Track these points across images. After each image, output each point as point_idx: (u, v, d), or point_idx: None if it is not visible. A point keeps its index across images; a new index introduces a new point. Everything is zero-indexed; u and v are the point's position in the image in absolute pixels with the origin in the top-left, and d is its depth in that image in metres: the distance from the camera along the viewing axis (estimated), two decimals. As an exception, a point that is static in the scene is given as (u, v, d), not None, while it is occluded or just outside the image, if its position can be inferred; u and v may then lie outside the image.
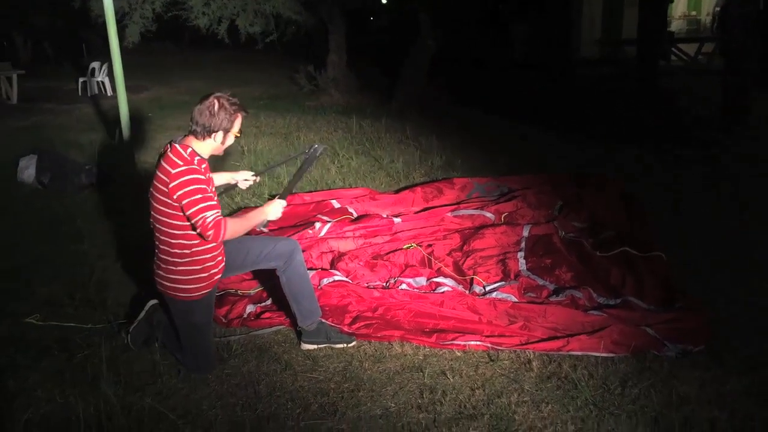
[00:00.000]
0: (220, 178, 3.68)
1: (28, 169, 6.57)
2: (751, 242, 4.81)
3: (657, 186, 6.26)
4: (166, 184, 3.01)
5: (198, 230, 3.03)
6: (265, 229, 3.32)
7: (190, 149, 3.09)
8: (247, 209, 5.53)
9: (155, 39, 13.57)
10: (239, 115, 3.16)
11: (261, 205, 3.48)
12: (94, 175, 6.65)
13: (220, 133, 3.12)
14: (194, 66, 17.90)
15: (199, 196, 2.99)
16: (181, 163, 3.02)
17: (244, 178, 3.76)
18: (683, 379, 3.13)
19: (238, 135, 3.22)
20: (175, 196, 3.00)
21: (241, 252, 3.42)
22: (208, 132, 3.09)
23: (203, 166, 3.14)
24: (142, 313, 3.57)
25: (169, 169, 3.02)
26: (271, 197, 5.95)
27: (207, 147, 3.15)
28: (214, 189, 3.23)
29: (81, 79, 13.37)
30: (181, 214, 3.04)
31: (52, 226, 5.47)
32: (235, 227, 3.13)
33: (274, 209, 3.35)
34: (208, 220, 2.99)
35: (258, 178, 3.83)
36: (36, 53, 19.52)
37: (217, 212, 3.04)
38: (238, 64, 17.28)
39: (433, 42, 11.56)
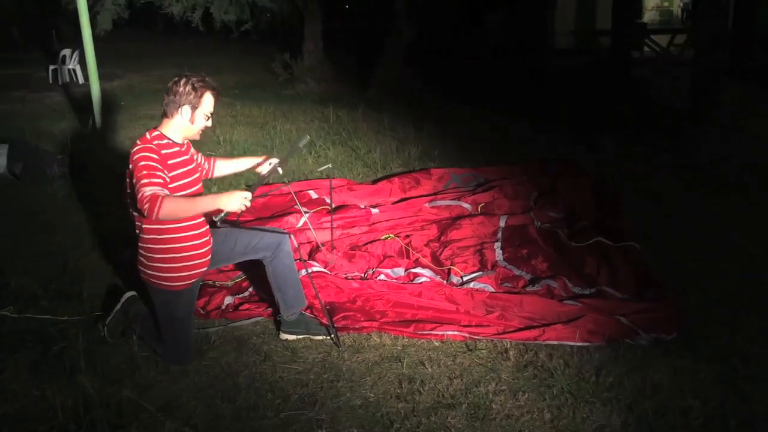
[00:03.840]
0: (240, 165, 3.63)
1: (-1, 159, 6.47)
2: (723, 231, 4.90)
3: (629, 175, 6.34)
4: (129, 165, 3.04)
5: (138, 204, 2.89)
6: (219, 224, 3.10)
7: (156, 132, 3.11)
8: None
9: (127, 26, 13.39)
10: (207, 92, 3.13)
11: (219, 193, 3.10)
12: (67, 165, 6.56)
13: (187, 108, 3.09)
14: (167, 54, 17.66)
15: (144, 172, 2.92)
16: (139, 143, 3.05)
17: (269, 164, 3.56)
18: (656, 367, 3.19)
19: (209, 116, 3.18)
20: (132, 175, 3.01)
21: (228, 243, 3.39)
22: (175, 107, 3.09)
23: (174, 149, 3.11)
24: (119, 305, 3.54)
25: (131, 151, 3.05)
26: (249, 186, 5.94)
27: (177, 126, 3.13)
28: (193, 171, 3.22)
29: (51, 67, 13.14)
30: None
31: (24, 217, 5.39)
32: (175, 206, 2.89)
33: (232, 201, 2.98)
34: (146, 194, 2.84)
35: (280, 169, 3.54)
36: (4, 40, 19.11)
37: (157, 188, 2.88)
38: (213, 53, 17.09)
39: (408, 30, 11.55)
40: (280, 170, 3.53)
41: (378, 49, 11.88)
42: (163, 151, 3.06)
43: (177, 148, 3.15)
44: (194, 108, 3.12)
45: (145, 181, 2.90)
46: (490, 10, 18.43)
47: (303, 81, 12.29)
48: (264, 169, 3.57)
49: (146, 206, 2.83)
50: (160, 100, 3.20)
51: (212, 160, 3.61)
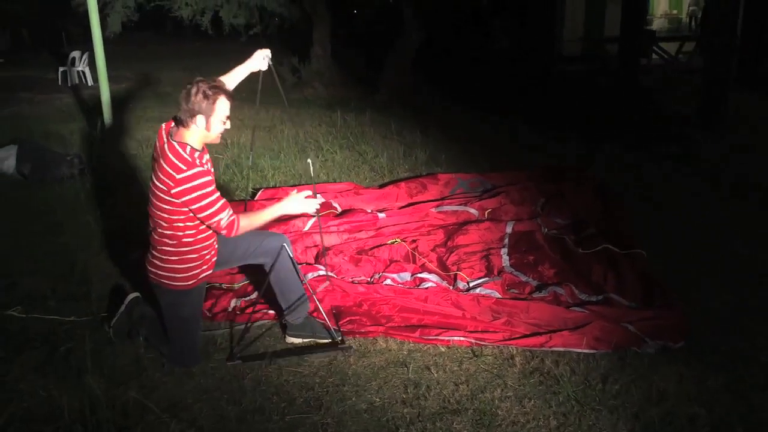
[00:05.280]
0: (239, 74, 3.65)
1: (8, 160, 6.50)
2: (730, 239, 4.87)
3: (636, 182, 6.32)
4: (169, 186, 2.99)
5: (213, 229, 3.16)
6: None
7: (188, 147, 3.06)
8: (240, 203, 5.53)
9: (136, 29, 13.45)
10: (219, 98, 3.05)
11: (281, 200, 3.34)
12: (76, 166, 6.59)
13: (201, 118, 3.04)
14: (176, 57, 17.75)
15: (208, 200, 3.02)
16: (185, 168, 2.99)
17: (262, 57, 3.67)
18: (663, 375, 3.18)
19: (225, 121, 3.12)
20: (180, 201, 3.01)
21: (228, 247, 3.41)
22: (190, 116, 3.05)
23: (204, 159, 3.14)
24: (123, 307, 3.55)
25: (173, 172, 2.99)
26: (255, 190, 5.96)
27: (195, 135, 3.10)
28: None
29: (61, 69, 13.23)
30: (181, 210, 3.04)
31: (32, 218, 5.42)
32: (249, 223, 3.17)
33: (294, 204, 3.32)
34: (223, 223, 3.07)
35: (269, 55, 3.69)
36: (14, 41, 19.23)
37: (229, 211, 3.09)
38: (221, 56, 17.08)
39: (416, 35, 11.56)
40: (270, 63, 3.70)
41: (386, 54, 11.90)
42: (206, 167, 3.10)
43: (206, 156, 3.17)
44: (208, 116, 3.06)
45: (214, 209, 3.05)
46: (499, 16, 18.45)
47: (311, 85, 12.32)
48: (264, 66, 3.69)
49: (225, 231, 3.11)
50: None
51: None
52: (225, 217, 3.07)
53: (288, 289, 3.50)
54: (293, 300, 3.51)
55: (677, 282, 4.13)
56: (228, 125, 3.17)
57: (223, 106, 3.09)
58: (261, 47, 3.74)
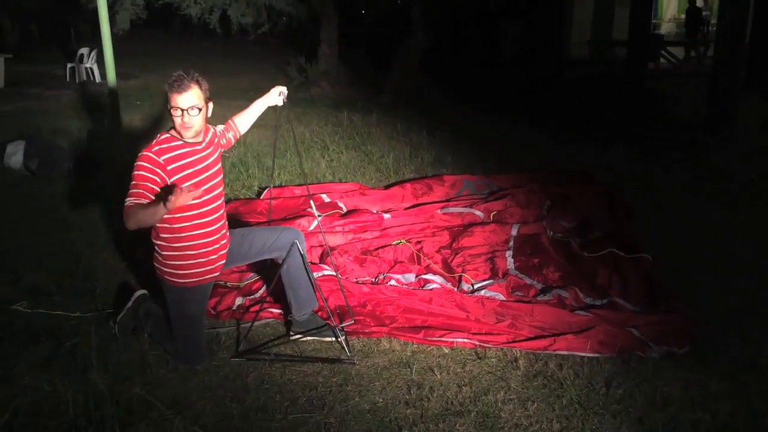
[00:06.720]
0: (256, 109, 3.72)
1: (15, 155, 6.52)
2: (735, 244, 4.86)
3: (642, 186, 6.30)
4: None
5: None
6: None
7: (165, 135, 3.13)
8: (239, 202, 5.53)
9: (144, 26, 13.51)
10: (168, 90, 3.05)
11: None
12: (83, 162, 6.61)
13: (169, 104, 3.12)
14: (184, 55, 17.78)
15: (133, 182, 2.99)
16: (143, 150, 3.07)
17: (278, 94, 3.70)
18: (667, 380, 3.17)
19: (174, 112, 3.05)
20: None
21: (245, 243, 3.44)
22: None
23: (183, 150, 3.11)
24: (130, 303, 3.57)
25: None
26: (261, 189, 5.97)
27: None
28: (208, 167, 3.22)
29: (69, 65, 13.29)
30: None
31: (39, 213, 5.43)
32: (135, 216, 2.84)
33: (179, 198, 2.77)
34: (125, 206, 2.91)
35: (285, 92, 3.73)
36: (23, 37, 19.31)
37: (133, 200, 2.91)
38: (229, 55, 17.18)
39: (424, 36, 11.56)
40: (285, 99, 3.74)
41: (393, 55, 11.91)
42: (163, 157, 3.04)
43: (188, 148, 3.14)
44: (168, 104, 3.10)
45: (129, 191, 2.96)
46: (507, 18, 18.45)
47: (317, 85, 12.33)
48: (279, 102, 3.72)
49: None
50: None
51: (230, 122, 3.65)
52: (127, 201, 2.91)
53: (297, 284, 3.51)
54: (300, 296, 3.52)
55: (678, 283, 4.13)
56: (186, 117, 3.06)
57: (170, 96, 3.07)
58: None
